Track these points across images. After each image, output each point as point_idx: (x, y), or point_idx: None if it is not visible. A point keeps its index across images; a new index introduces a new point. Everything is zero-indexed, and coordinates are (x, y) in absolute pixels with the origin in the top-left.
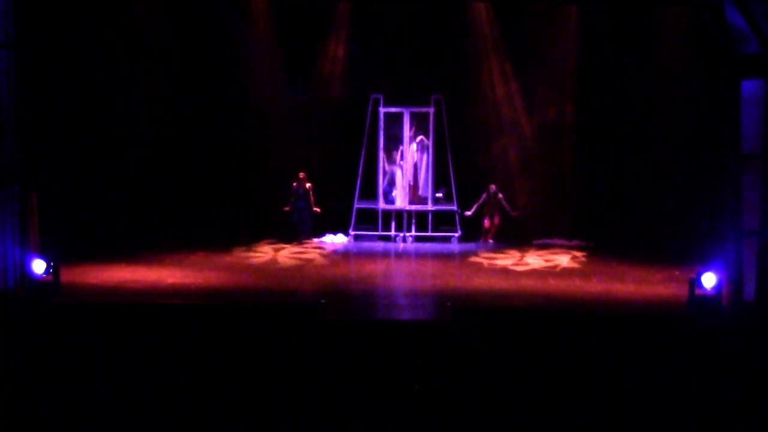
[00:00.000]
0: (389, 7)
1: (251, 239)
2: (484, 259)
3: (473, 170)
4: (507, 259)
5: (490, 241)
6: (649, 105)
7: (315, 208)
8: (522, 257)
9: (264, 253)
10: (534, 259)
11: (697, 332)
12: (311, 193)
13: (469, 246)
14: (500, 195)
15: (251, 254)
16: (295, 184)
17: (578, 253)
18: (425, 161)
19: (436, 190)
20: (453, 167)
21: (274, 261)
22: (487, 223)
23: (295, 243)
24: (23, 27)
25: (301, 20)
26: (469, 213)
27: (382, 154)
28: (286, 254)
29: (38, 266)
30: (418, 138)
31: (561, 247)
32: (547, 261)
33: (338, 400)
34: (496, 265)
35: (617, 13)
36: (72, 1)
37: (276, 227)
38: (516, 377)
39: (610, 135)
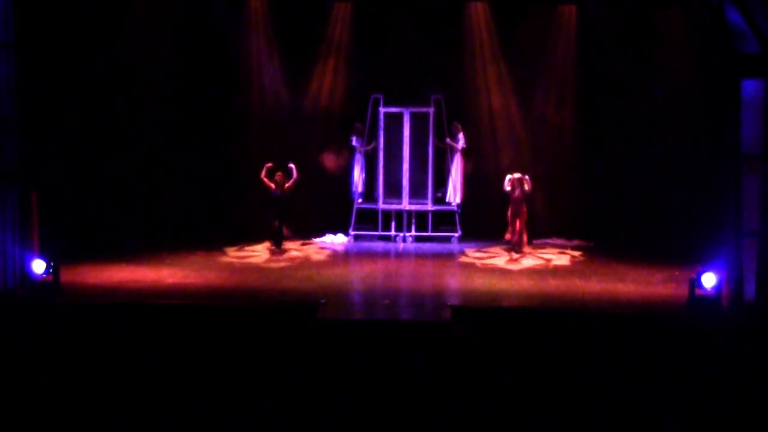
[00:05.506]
0: (389, 7)
1: (250, 239)
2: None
3: (473, 170)
4: (501, 258)
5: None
6: (649, 105)
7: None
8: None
9: (263, 252)
10: (531, 259)
11: (697, 332)
12: (289, 190)
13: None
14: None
15: (251, 254)
16: (272, 185)
17: (576, 253)
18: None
19: (436, 190)
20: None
21: (273, 260)
22: (509, 236)
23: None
24: (23, 27)
25: (301, 20)
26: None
27: (382, 154)
28: (286, 253)
29: (38, 266)
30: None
31: (560, 246)
32: (544, 260)
33: (338, 400)
34: (492, 264)
35: (617, 13)
36: (72, 1)
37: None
38: (516, 377)
39: (610, 135)
